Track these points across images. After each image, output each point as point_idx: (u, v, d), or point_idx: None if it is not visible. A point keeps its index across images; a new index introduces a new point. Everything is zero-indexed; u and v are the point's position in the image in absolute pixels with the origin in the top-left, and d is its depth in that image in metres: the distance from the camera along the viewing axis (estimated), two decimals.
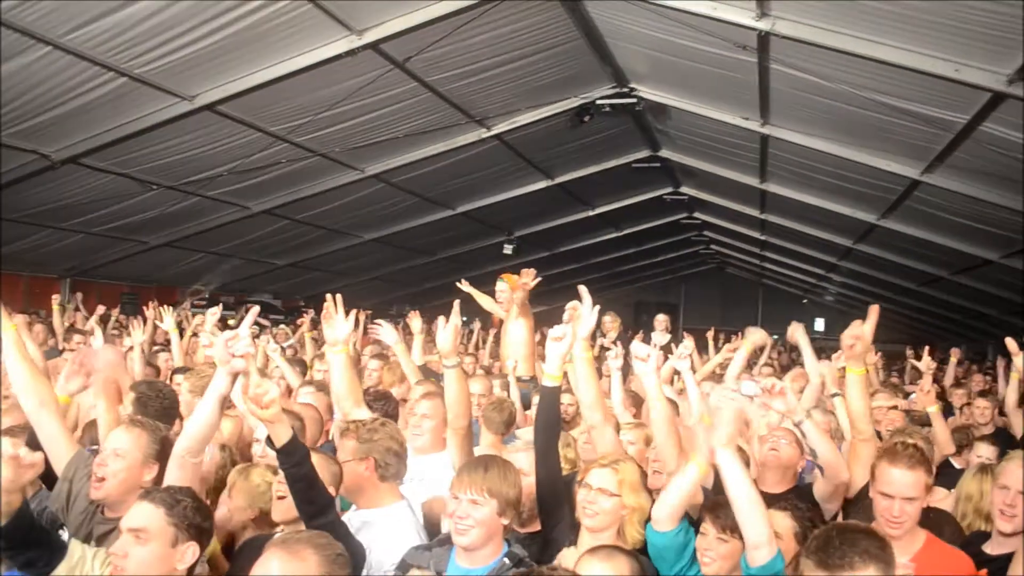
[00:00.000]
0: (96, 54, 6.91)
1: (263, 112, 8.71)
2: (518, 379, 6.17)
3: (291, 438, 2.60)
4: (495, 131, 10.73)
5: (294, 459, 2.61)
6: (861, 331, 3.39)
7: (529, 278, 6.61)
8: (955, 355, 9.16)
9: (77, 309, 10.18)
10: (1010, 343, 5.43)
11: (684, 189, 15.12)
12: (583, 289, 3.34)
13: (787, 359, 12.20)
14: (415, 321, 6.68)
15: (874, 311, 3.48)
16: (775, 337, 10.27)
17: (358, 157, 10.80)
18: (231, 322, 10.97)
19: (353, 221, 13.68)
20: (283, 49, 7.58)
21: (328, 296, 3.85)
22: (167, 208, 10.88)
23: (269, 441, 2.62)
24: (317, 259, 15.35)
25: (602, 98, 9.94)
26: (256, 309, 2.88)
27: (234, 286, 15.56)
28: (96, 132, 8.34)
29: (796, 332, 5.12)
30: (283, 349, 6.82)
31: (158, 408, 3.63)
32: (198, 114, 8.30)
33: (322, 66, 7.82)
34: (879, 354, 7.81)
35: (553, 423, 3.20)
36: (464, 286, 7.77)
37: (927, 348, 6.27)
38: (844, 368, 3.99)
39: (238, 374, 2.64)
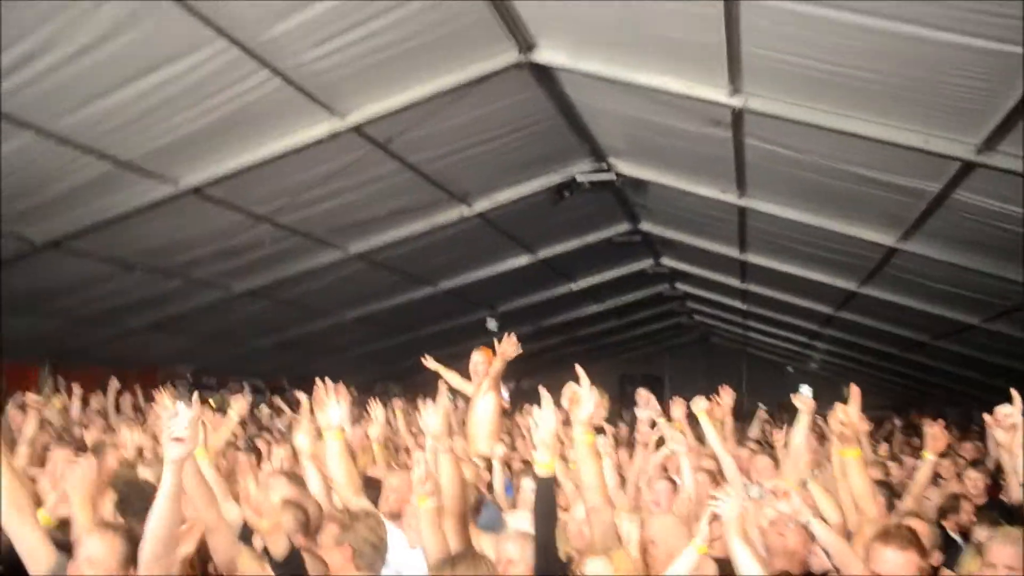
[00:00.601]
0: (82, 139, 6.98)
1: (247, 194, 8.78)
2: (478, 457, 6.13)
3: (291, 551, 2.53)
4: (477, 209, 10.87)
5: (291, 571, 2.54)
6: (848, 416, 3.42)
7: (511, 347, 6.59)
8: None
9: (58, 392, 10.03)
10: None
11: (665, 261, 15.27)
12: (581, 371, 3.34)
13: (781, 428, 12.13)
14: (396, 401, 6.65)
15: (855, 393, 3.50)
16: (763, 407, 10.28)
17: (341, 236, 10.88)
18: (211, 402, 10.84)
19: (336, 300, 13.67)
20: (267, 132, 7.69)
21: (318, 380, 3.81)
22: (149, 290, 10.84)
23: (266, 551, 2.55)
24: (301, 338, 15.28)
25: (581, 174, 10.10)
26: (247, 396, 2.86)
27: (217, 367, 15.42)
28: (80, 216, 8.35)
29: (800, 402, 5.11)
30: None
31: (140, 507, 3.55)
32: (182, 197, 8.35)
33: (306, 149, 7.94)
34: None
35: (552, 513, 3.18)
36: (430, 363, 7.69)
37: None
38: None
39: (183, 461, 2.56)
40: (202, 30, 5.96)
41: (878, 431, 10.84)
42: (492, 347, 7.14)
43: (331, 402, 3.80)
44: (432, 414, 3.59)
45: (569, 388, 3.31)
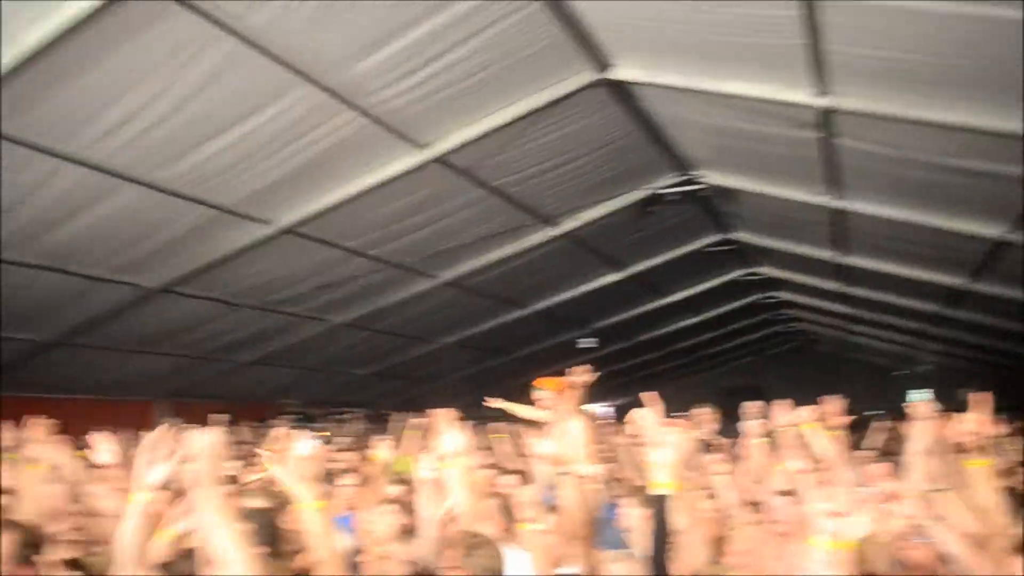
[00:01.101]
0: (183, 189, 7.35)
1: (339, 229, 9.05)
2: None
3: None
4: (563, 229, 10.91)
5: None
6: (976, 425, 3.19)
7: (583, 374, 6.42)
8: None
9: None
10: None
11: (760, 269, 14.97)
12: (651, 396, 3.20)
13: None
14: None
15: (982, 399, 3.27)
16: (874, 412, 9.88)
17: (432, 265, 11.08)
18: (319, 433, 11.10)
19: (432, 327, 13.90)
20: (354, 168, 7.94)
21: (435, 410, 3.78)
22: (253, 327, 11.27)
23: None
24: (400, 366, 15.57)
25: (666, 187, 10.03)
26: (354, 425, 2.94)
27: (321, 398, 15.83)
28: (185, 260, 8.78)
29: (919, 409, 4.85)
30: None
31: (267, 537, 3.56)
32: (278, 236, 8.67)
33: (392, 182, 8.15)
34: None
35: (666, 534, 3.11)
36: (495, 403, 7.53)
37: None
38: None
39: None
40: (286, 76, 6.22)
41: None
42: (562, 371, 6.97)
43: (452, 429, 3.78)
44: (548, 439, 3.55)
45: (636, 414, 3.18)
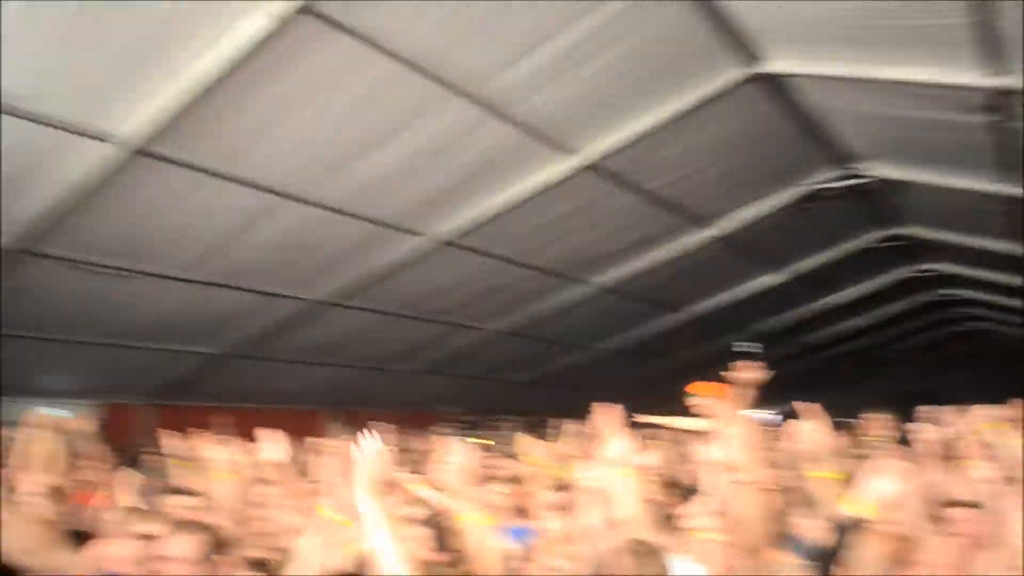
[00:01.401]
0: (344, 206, 7.71)
1: (493, 239, 9.22)
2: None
3: None
4: (718, 230, 10.66)
5: None
6: None
7: (754, 374, 6.12)
8: None
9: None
10: None
11: (933, 265, 14.07)
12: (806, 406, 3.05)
13: None
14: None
15: None
16: None
17: (586, 271, 11.09)
18: (480, 441, 11.31)
19: (589, 333, 13.91)
20: (506, 178, 8.07)
21: (603, 409, 3.72)
22: (414, 337, 11.65)
23: None
24: (555, 374, 15.65)
25: (828, 182, 9.62)
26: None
27: (481, 406, 16.12)
28: (348, 274, 9.20)
29: None
30: None
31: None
32: (435, 248, 8.94)
33: (544, 191, 8.23)
34: None
35: (849, 548, 2.95)
36: (649, 419, 7.27)
37: None
38: None
39: None
40: (438, 90, 6.41)
41: None
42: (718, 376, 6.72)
43: (620, 435, 3.74)
44: (715, 445, 3.46)
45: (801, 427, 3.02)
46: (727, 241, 11.10)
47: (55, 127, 5.75)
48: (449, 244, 8.96)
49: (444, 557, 3.36)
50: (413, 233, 8.64)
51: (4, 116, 5.48)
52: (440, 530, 3.68)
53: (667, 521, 4.26)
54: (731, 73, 7.17)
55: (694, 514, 3.97)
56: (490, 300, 11.06)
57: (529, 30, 6.05)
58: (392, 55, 5.88)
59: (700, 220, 10.37)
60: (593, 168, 8.11)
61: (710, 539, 3.32)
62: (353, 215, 7.92)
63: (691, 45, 6.65)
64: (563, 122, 7.35)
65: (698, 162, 8.72)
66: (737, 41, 6.73)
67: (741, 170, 9.22)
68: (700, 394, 6.41)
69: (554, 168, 8.00)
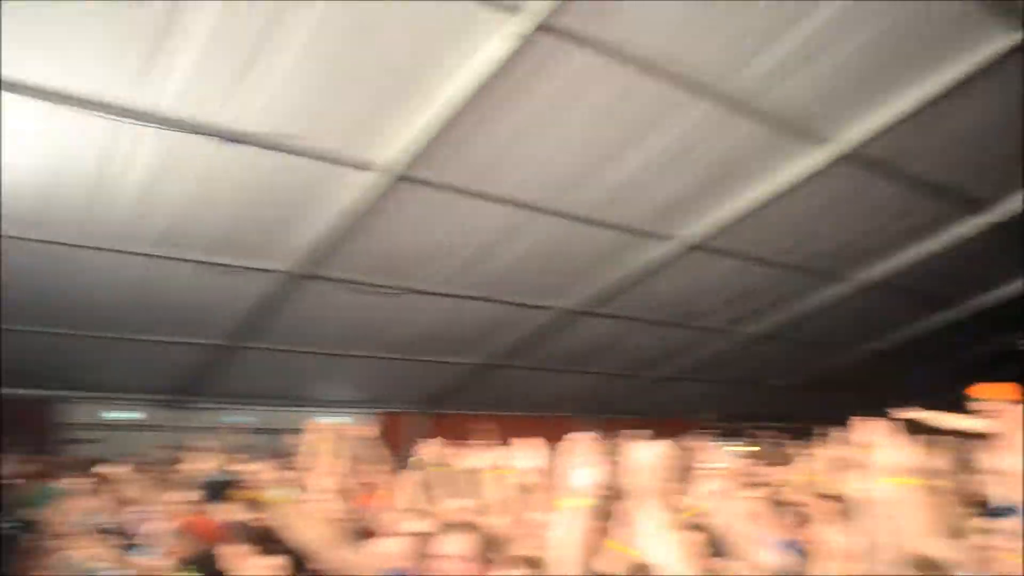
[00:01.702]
0: (591, 215, 7.80)
1: (743, 239, 8.91)
2: None
3: None
4: (996, 216, 9.59)
5: None
6: None
7: None
8: None
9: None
10: None
11: None
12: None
13: None
14: None
15: None
16: None
17: (845, 267, 10.42)
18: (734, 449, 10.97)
19: (852, 333, 13.05)
20: (755, 175, 7.76)
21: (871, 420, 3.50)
22: (667, 343, 11.54)
23: None
24: (818, 376, 14.83)
25: None
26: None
27: (738, 412, 15.65)
28: (599, 282, 9.29)
29: None
30: None
31: None
32: (684, 252, 8.80)
33: (796, 184, 7.84)
34: None
35: None
36: (913, 414, 6.51)
37: None
38: None
39: None
40: (678, 92, 6.32)
41: None
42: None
43: (898, 441, 3.48)
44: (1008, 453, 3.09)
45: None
46: (1007, 227, 9.95)
47: (326, 161, 6.36)
48: (697, 248, 8.78)
49: (721, 564, 3.26)
50: (661, 238, 8.56)
51: (284, 154, 6.12)
52: (710, 538, 3.57)
53: (955, 536, 3.87)
54: (1000, 40, 6.43)
55: (992, 529, 3.57)
56: (744, 302, 10.70)
57: (770, 18, 5.80)
58: (630, 62, 5.88)
59: (975, 205, 9.38)
60: (850, 157, 7.59)
61: (1012, 560, 2.96)
62: (601, 223, 7.99)
63: (953, 12, 6.05)
64: (813, 111, 6.95)
65: (968, 141, 7.89)
66: (1006, 3, 6.02)
67: (1019, 147, 8.24)
68: (985, 397, 5.76)
69: (806, 161, 7.58)
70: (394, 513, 4.37)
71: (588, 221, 7.89)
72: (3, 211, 6.23)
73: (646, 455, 2.67)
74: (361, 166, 6.50)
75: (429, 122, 6.06)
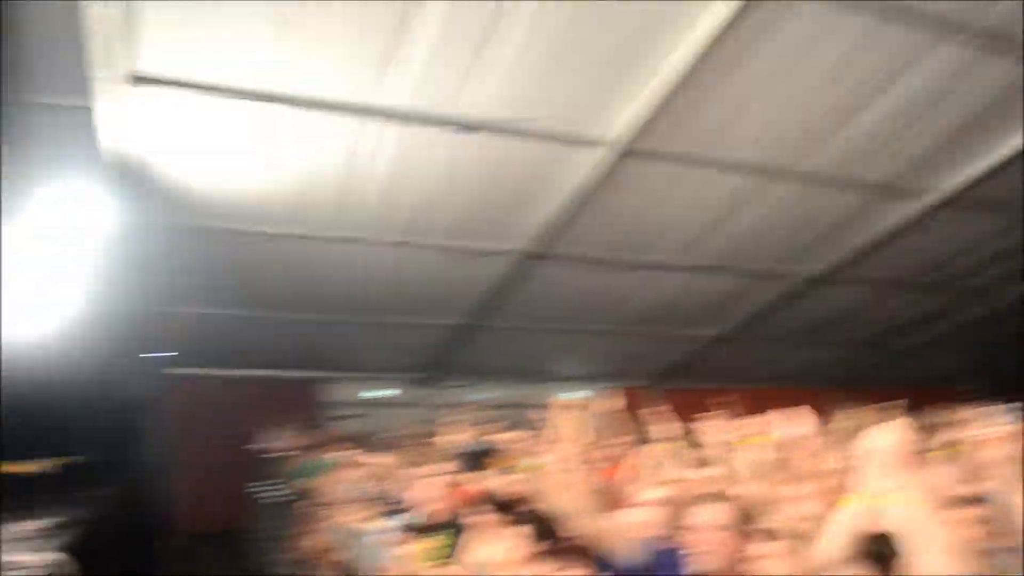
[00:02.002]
0: (832, 174, 7.38)
1: (1004, 193, 8.08)
2: None
3: None
4: None
5: None
6: None
7: None
8: None
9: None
10: None
11: None
12: None
13: None
14: None
15: None
16: None
17: None
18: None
19: None
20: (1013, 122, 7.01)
21: None
22: (917, 309, 10.74)
23: None
24: None
25: None
26: None
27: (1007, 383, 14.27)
28: (840, 247, 8.81)
29: None
30: None
31: None
32: (935, 208, 8.11)
33: None
34: None
35: None
36: None
37: None
38: None
39: None
40: (927, 34, 5.81)
41: None
42: None
43: None
44: None
45: None
46: None
47: (556, 141, 6.48)
48: (948, 204, 8.04)
49: (998, 539, 3.00)
50: (913, 195, 7.93)
51: (515, 139, 6.31)
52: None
53: None
54: None
55: None
56: (1009, 261, 9.68)
57: None
58: (866, 10, 5.48)
59: None
60: None
61: None
62: (843, 182, 7.54)
63: None
64: None
65: None
66: None
67: None
68: None
69: None
70: (641, 484, 4.40)
71: (826, 182, 7.46)
72: (266, 211, 6.91)
73: (896, 428, 2.46)
74: (589, 143, 6.55)
75: (653, 93, 5.99)
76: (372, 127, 6.09)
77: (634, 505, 4.00)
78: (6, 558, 4.35)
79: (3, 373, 4.54)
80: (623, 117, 6.27)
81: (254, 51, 5.18)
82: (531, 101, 6.01)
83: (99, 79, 4.99)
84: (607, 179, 6.97)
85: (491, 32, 5.33)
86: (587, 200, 7.25)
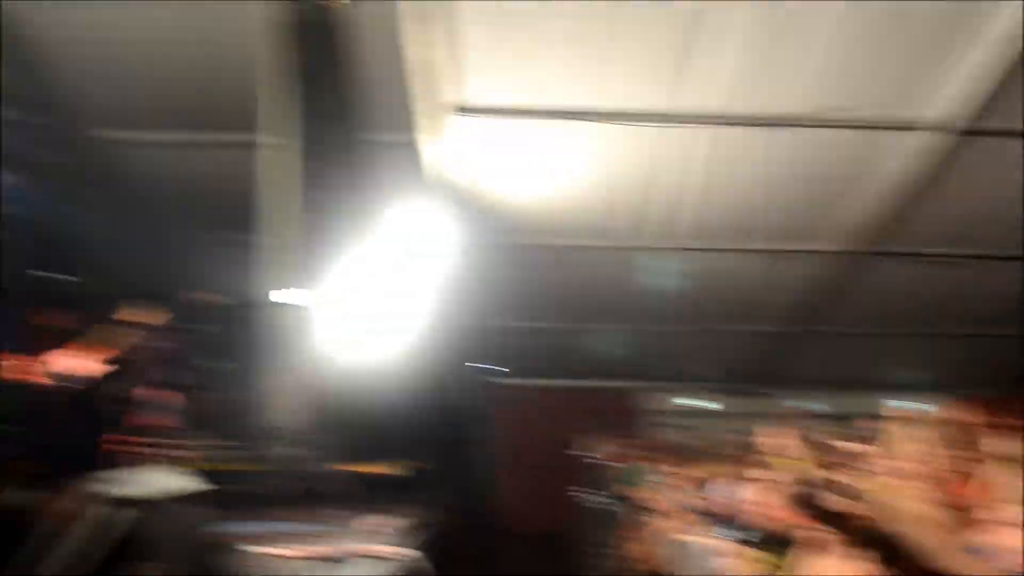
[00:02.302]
0: None
1: None
2: None
3: None
4: None
5: None
6: None
7: None
8: None
9: None
10: None
11: None
12: None
13: None
14: None
15: None
16: None
17: None
18: None
19: None
20: None
21: None
22: None
23: None
24: None
25: None
26: None
27: None
28: None
29: None
30: None
31: None
32: None
33: None
34: None
35: None
36: None
37: None
38: None
39: None
40: None
41: None
42: None
43: None
44: None
45: None
46: None
47: (878, 128, 6.02)
48: None
49: None
50: None
51: (829, 131, 5.96)
52: None
53: None
54: None
55: None
56: None
57: None
58: None
59: None
60: None
61: None
62: None
63: None
64: None
65: None
66: None
67: None
68: None
69: None
70: (996, 506, 3.93)
71: None
72: (576, 224, 7.12)
73: None
74: (912, 128, 5.99)
75: (983, 65, 5.33)
76: (678, 134, 6.05)
77: (991, 529, 3.58)
78: (364, 547, 4.84)
79: (359, 386, 5.07)
80: (949, 94, 5.66)
81: (556, 70, 5.37)
82: (844, 89, 5.65)
83: (423, 113, 5.46)
84: (937, 164, 6.32)
85: (796, 22, 5.09)
86: (915, 189, 6.63)
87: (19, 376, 4.48)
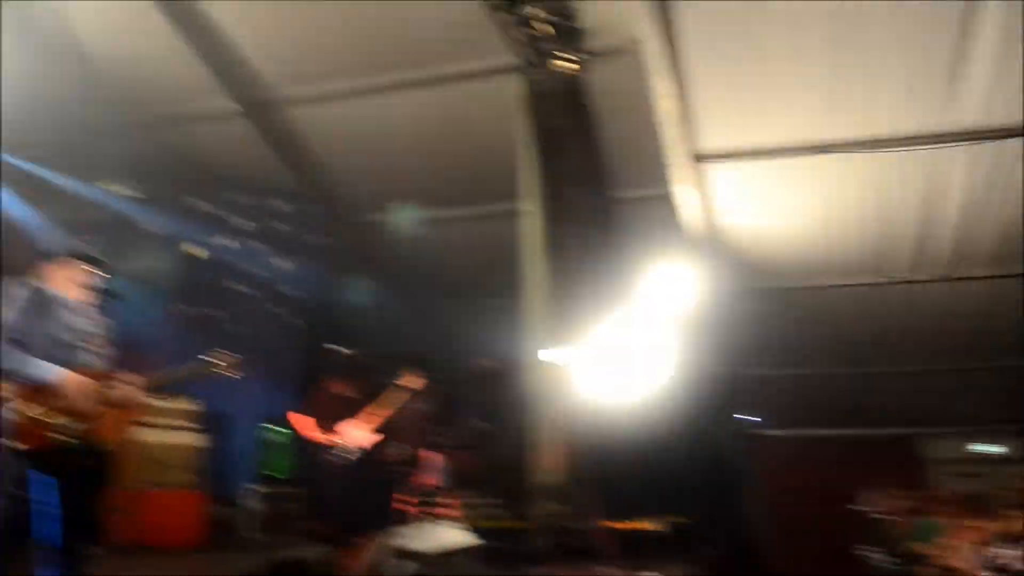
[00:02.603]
0: None
1: None
2: None
3: None
4: None
5: None
6: None
7: None
8: None
9: None
10: None
11: None
12: None
13: None
14: None
15: None
16: None
17: None
18: None
19: None
20: None
21: None
22: None
23: None
24: None
25: None
26: None
27: None
28: None
29: None
30: None
31: None
32: None
33: None
34: None
35: None
36: None
37: None
38: None
39: None
40: None
41: None
42: None
43: None
44: None
45: None
46: None
47: None
48: None
49: None
50: None
51: None
52: None
53: None
54: None
55: None
56: None
57: None
58: None
59: None
60: None
61: None
62: None
63: None
64: None
65: None
66: None
67: None
68: None
69: None
70: None
71: None
72: (834, 262, 6.72)
73: None
74: None
75: None
76: (942, 155, 5.61)
77: None
78: None
79: (621, 441, 5.08)
80: None
81: (805, 106, 5.19)
82: None
83: (675, 163, 5.44)
84: None
85: None
86: None
87: (316, 440, 4.94)
